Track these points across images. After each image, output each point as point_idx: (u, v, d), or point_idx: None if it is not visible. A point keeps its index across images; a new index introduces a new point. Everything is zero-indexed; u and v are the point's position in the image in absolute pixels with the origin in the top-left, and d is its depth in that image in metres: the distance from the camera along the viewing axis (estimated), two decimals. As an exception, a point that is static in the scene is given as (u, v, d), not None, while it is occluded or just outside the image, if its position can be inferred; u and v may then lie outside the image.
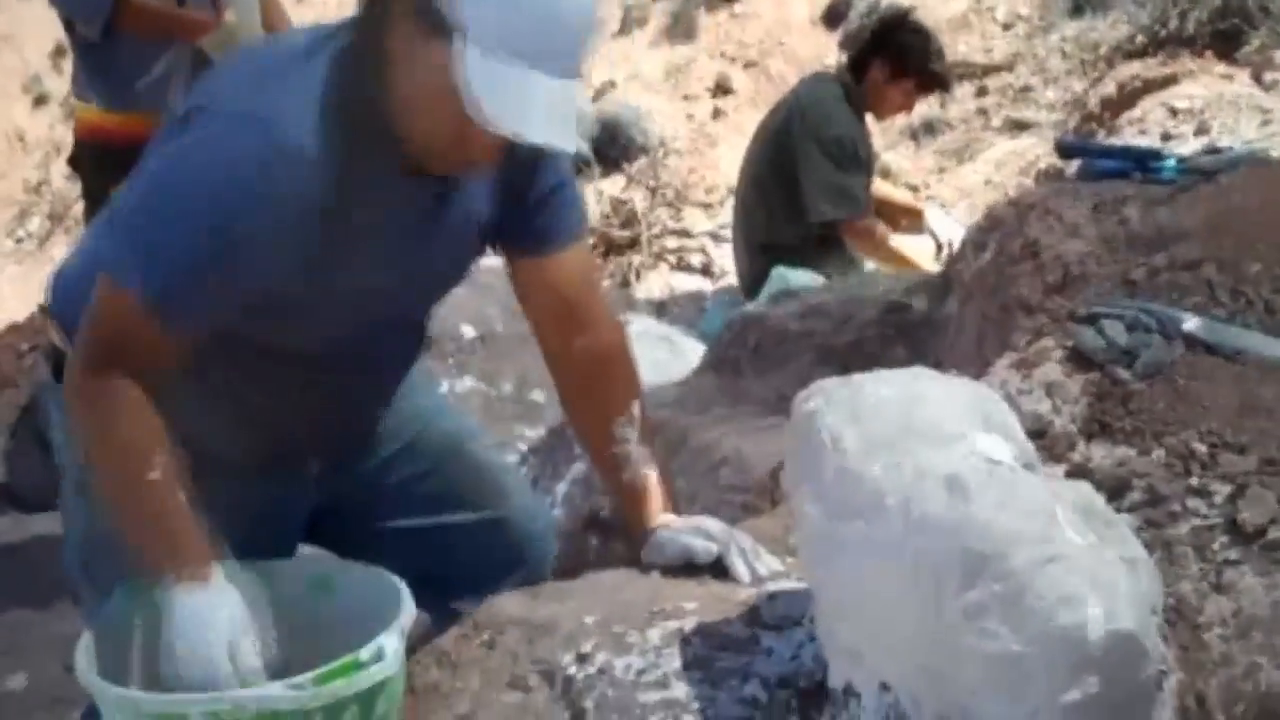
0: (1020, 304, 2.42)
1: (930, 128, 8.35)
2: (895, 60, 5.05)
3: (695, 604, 1.97)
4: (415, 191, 1.94)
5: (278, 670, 1.86)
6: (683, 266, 7.59)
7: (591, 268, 2.25)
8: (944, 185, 7.65)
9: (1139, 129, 5.85)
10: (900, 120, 7.18)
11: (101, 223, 2.08)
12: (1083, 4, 8.86)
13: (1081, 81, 7.92)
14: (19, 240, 12.66)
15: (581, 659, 1.87)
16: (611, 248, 7.88)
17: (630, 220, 8.01)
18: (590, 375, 2.19)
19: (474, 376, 4.41)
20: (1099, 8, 8.60)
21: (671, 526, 2.13)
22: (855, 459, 1.62)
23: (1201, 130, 5.42)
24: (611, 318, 2.24)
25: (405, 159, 1.89)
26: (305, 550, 2.34)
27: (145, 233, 1.82)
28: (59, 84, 13.03)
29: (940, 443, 1.60)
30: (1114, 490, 1.87)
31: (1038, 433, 2.01)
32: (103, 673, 1.88)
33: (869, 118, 5.20)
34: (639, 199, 8.21)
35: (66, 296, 2.08)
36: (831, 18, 10.01)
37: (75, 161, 4.20)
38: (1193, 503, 1.84)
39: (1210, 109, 5.62)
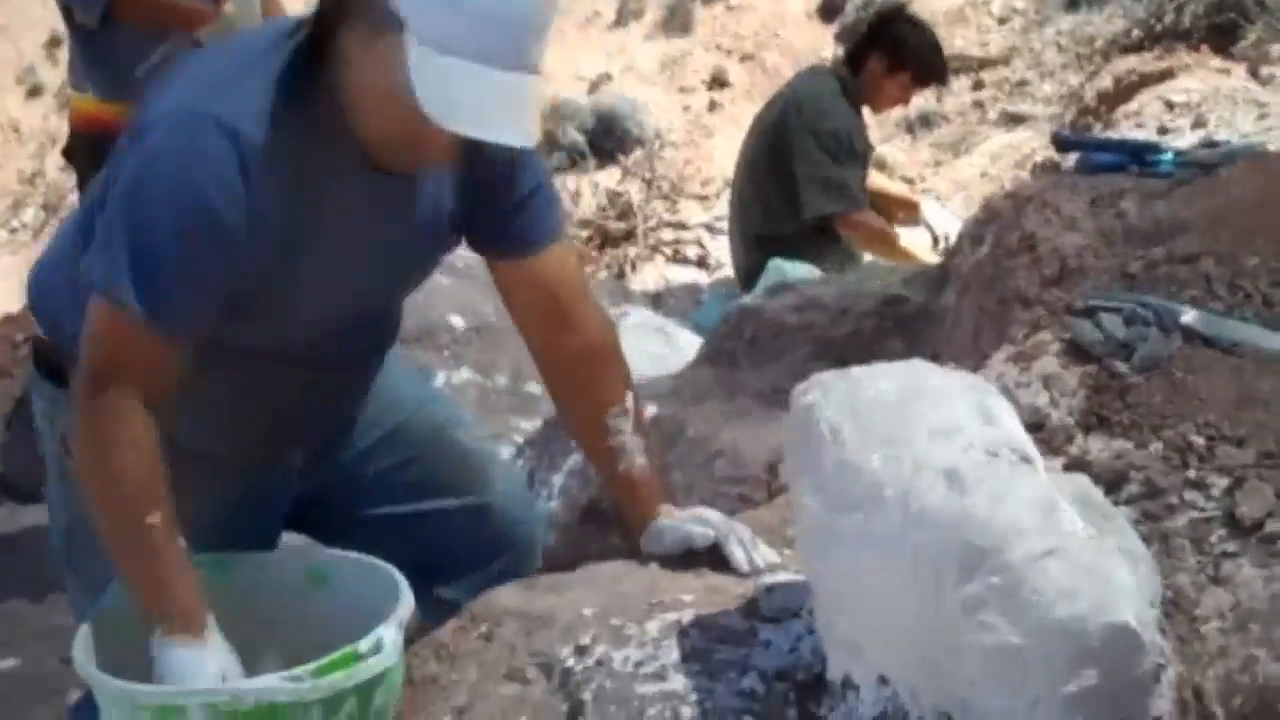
0: (1017, 297, 2.42)
1: (926, 121, 8.34)
2: (892, 53, 5.05)
3: (693, 596, 1.97)
4: (379, 187, 1.94)
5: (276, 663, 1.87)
6: (678, 259, 7.57)
7: (574, 265, 2.25)
8: (939, 178, 7.64)
9: (1135, 123, 5.84)
10: (896, 113, 7.18)
11: (75, 226, 2.06)
12: (1079, -3, 8.86)
13: (1077, 75, 7.90)
14: (13, 231, 12.62)
15: (580, 651, 1.87)
16: (607, 240, 7.86)
17: (626, 212, 7.99)
18: (580, 372, 2.19)
19: (470, 368, 4.40)
20: (1095, 2, 8.59)
21: (670, 516, 2.13)
22: (854, 451, 1.63)
23: (1198, 124, 5.41)
24: (598, 313, 2.23)
25: (366, 156, 1.89)
26: (295, 541, 2.35)
27: (129, 248, 1.81)
28: (54, 75, 12.99)
29: (939, 435, 1.60)
30: (1111, 483, 1.88)
31: (1035, 425, 2.01)
32: (101, 664, 1.88)
33: (865, 111, 5.20)
34: (634, 191, 8.19)
35: (42, 291, 2.10)
36: (827, 11, 10.00)
37: (70, 152, 4.18)
38: (1190, 495, 1.84)
39: (1207, 103, 5.62)
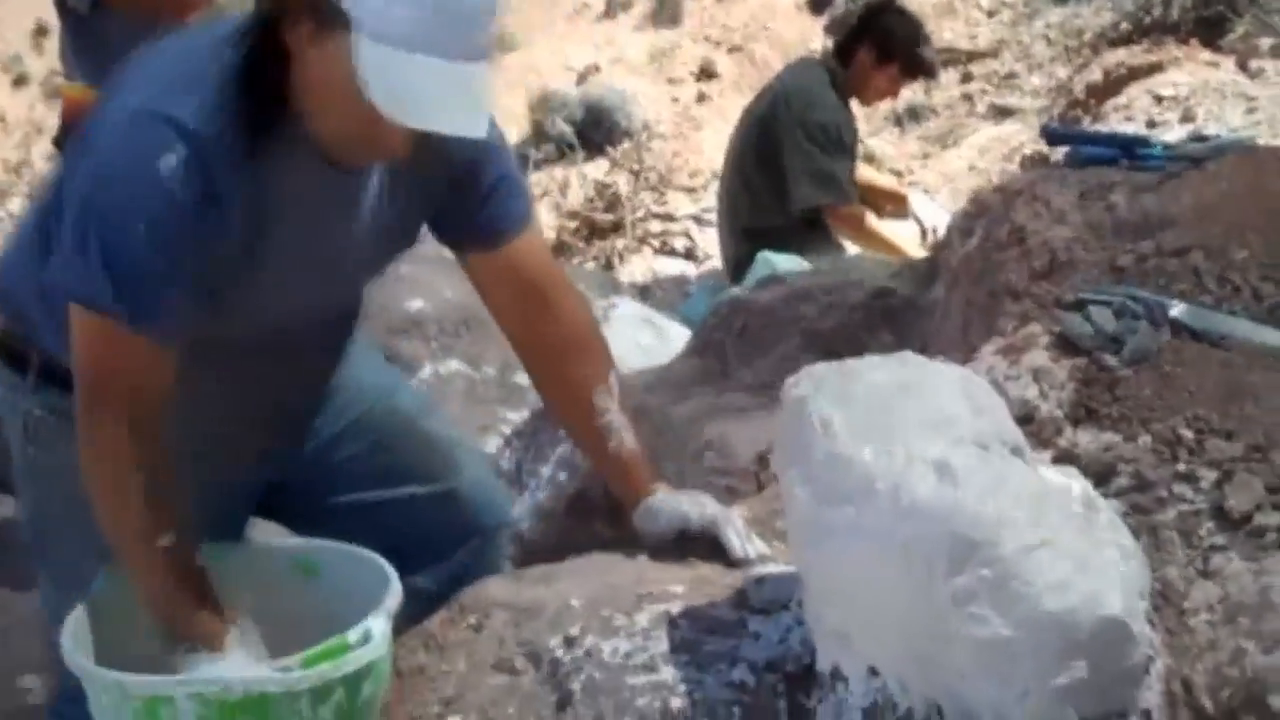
0: (1007, 290, 2.41)
1: (915, 113, 8.35)
2: (882, 46, 5.04)
3: (683, 587, 1.97)
4: (337, 182, 1.93)
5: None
6: (666, 250, 7.58)
7: (546, 250, 2.25)
8: (928, 171, 7.66)
9: (1124, 116, 5.85)
10: (884, 106, 7.17)
11: (35, 220, 2.05)
12: (1067, -10, 8.86)
13: (1066, 68, 7.92)
14: (-1, 220, 12.59)
15: (569, 642, 1.87)
16: (595, 231, 7.87)
17: (614, 204, 7.99)
18: (562, 355, 2.19)
19: (458, 359, 4.40)
20: (1083, -5, 8.62)
21: (665, 494, 2.14)
22: (845, 444, 1.63)
23: (1187, 117, 5.43)
24: (575, 294, 2.24)
25: (323, 151, 1.88)
26: (266, 528, 2.34)
27: (102, 256, 1.79)
28: (40, 65, 12.97)
29: (930, 428, 1.60)
30: (1100, 476, 1.88)
31: (1025, 418, 2.01)
32: (90, 653, 1.88)
33: (854, 103, 5.20)
34: (623, 182, 8.19)
35: (6, 283, 2.08)
36: (816, 3, 10.01)
37: (60, 142, 4.17)
38: (1179, 488, 1.84)
39: (1196, 96, 5.63)
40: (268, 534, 2.31)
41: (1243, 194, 2.39)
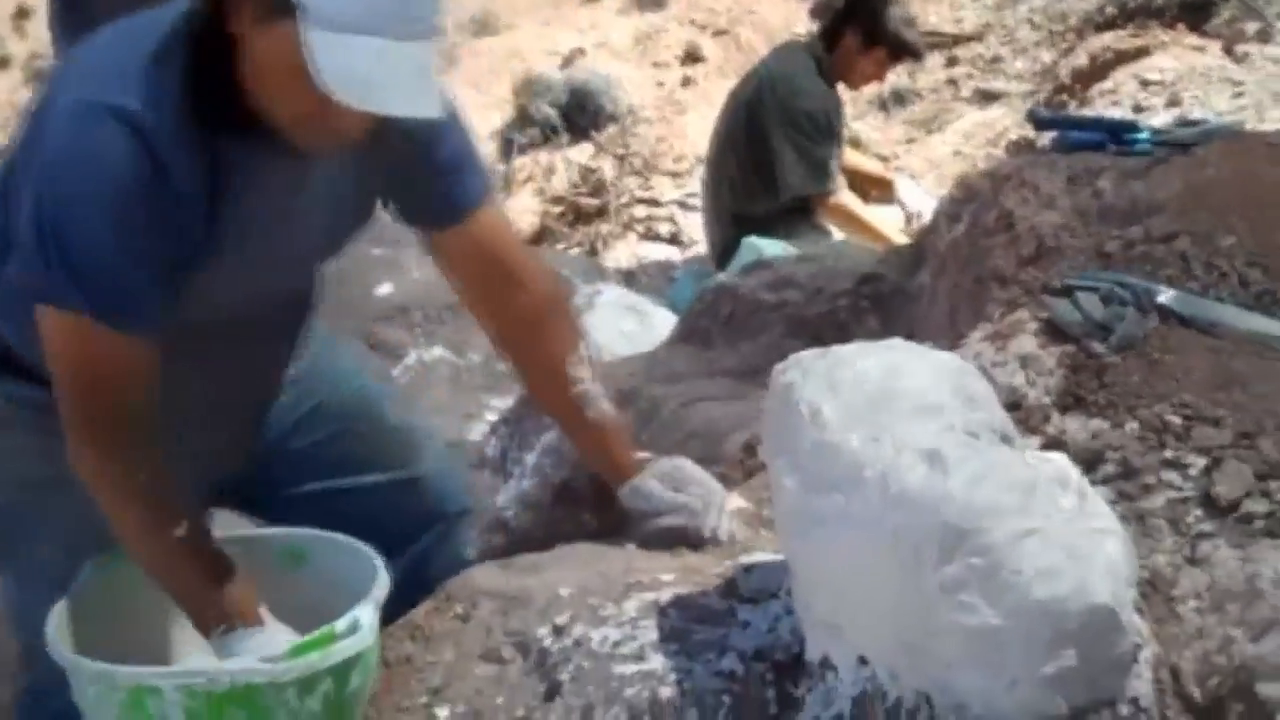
0: (994, 276, 2.41)
1: (900, 98, 8.33)
2: (867, 30, 5.03)
3: (671, 575, 1.97)
4: (291, 166, 1.92)
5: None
6: (651, 235, 7.56)
7: (508, 225, 2.25)
8: (913, 156, 7.64)
9: (1110, 100, 5.85)
10: (870, 90, 7.15)
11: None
12: (1053, -26, 8.84)
13: (1051, 52, 7.91)
14: (-20, 205, 12.52)
15: (557, 631, 1.87)
16: (580, 216, 7.85)
17: (599, 188, 7.97)
18: (532, 327, 2.18)
19: (442, 346, 4.38)
20: (1068, -22, 8.60)
21: (650, 473, 2.16)
22: (833, 432, 1.62)
23: (1173, 102, 5.43)
24: (540, 265, 2.24)
25: (275, 136, 1.86)
26: (226, 518, 2.33)
27: (64, 254, 1.78)
28: (21, 47, 12.90)
29: (919, 416, 1.60)
30: (1088, 463, 1.87)
31: (1012, 405, 2.00)
32: (75, 645, 1.87)
33: (840, 87, 5.18)
34: (608, 167, 8.17)
35: None
36: (801, -14, 9.98)
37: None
38: (1167, 475, 1.84)
39: (1182, 81, 5.63)
40: (230, 525, 2.29)
41: (1230, 180, 2.39)
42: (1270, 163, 2.44)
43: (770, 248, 4.51)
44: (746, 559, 2.00)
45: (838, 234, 5.01)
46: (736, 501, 2.20)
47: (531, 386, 2.34)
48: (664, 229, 7.60)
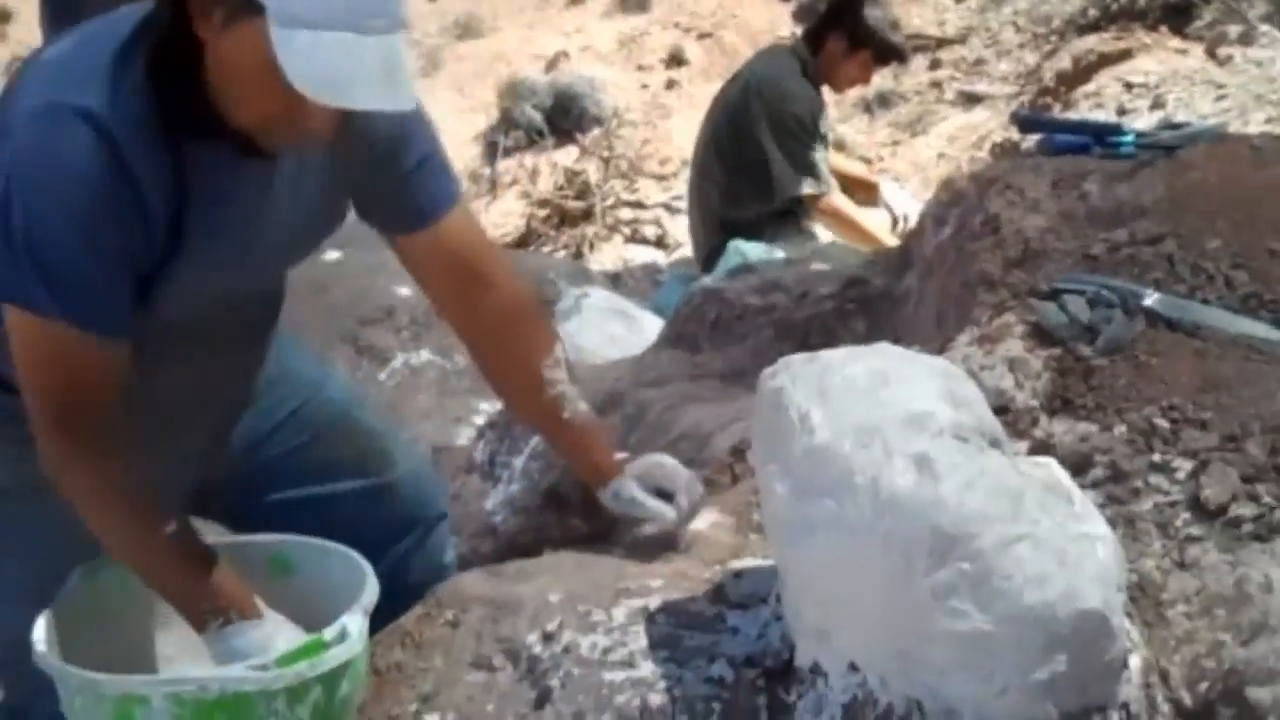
0: (981, 279, 2.41)
1: (884, 100, 8.34)
2: (852, 32, 5.04)
3: (660, 581, 1.96)
4: (253, 166, 1.90)
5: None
6: (637, 238, 7.56)
7: (477, 228, 2.22)
8: (897, 159, 7.65)
9: (1094, 103, 5.86)
10: (854, 93, 7.17)
11: None
12: (1035, -24, 8.86)
13: (1034, 54, 7.93)
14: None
15: (547, 638, 1.87)
16: (565, 219, 7.84)
17: (584, 191, 7.96)
18: (505, 330, 2.16)
19: (430, 350, 4.37)
20: (1052, -20, 8.62)
21: (631, 475, 2.16)
22: (824, 437, 1.62)
23: (1157, 105, 5.44)
24: (511, 270, 2.21)
25: (241, 138, 1.85)
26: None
27: (31, 256, 1.77)
28: (2, 50, 12.85)
29: (909, 421, 1.60)
30: (1076, 466, 1.88)
31: (1000, 409, 2.01)
32: (61, 653, 1.86)
33: (824, 90, 5.19)
34: (592, 170, 8.16)
35: None
36: (784, -11, 9.99)
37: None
38: (1155, 479, 1.84)
39: (1166, 84, 5.65)
40: (210, 535, 2.28)
41: (1215, 183, 2.40)
42: (1255, 166, 2.45)
43: (755, 251, 4.51)
44: (736, 564, 2.00)
45: (825, 237, 5.01)
46: (710, 517, 2.20)
47: (506, 392, 2.31)
48: (650, 231, 7.60)
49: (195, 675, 1.80)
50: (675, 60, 9.58)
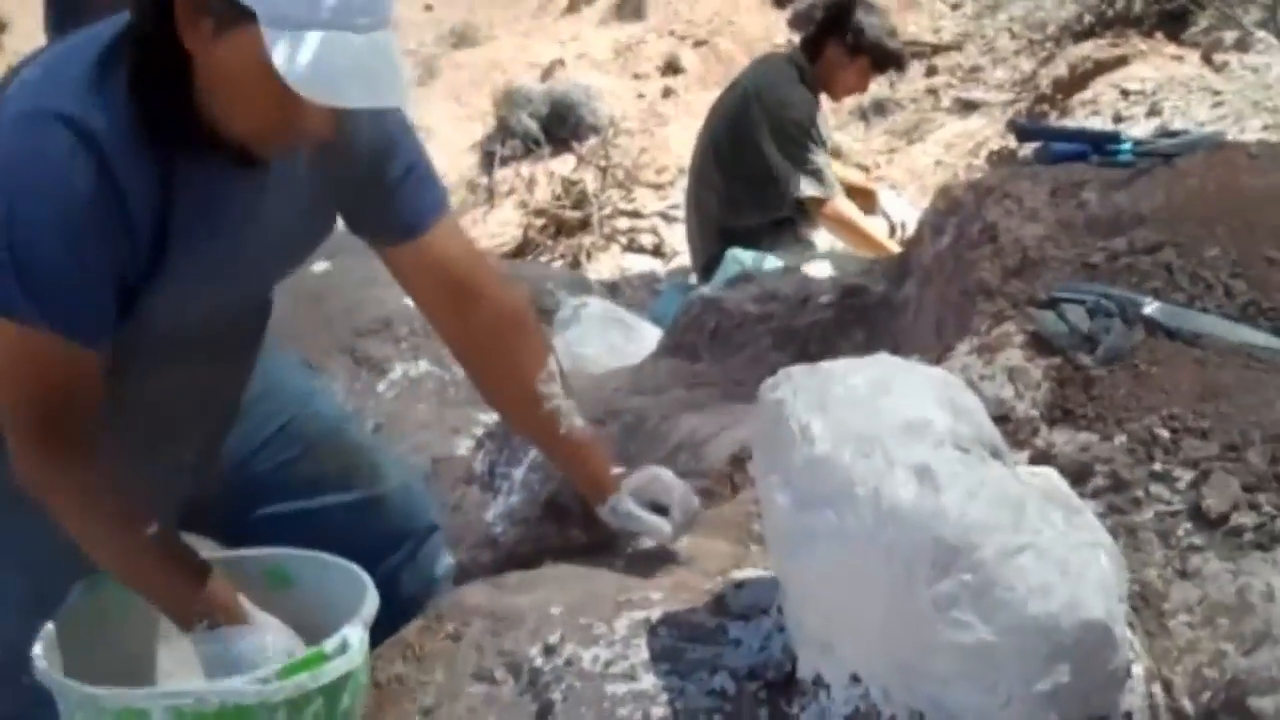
0: (980, 288, 2.41)
1: (880, 108, 8.34)
2: (850, 40, 5.05)
3: (661, 594, 1.96)
4: (240, 178, 1.89)
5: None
6: (634, 247, 7.55)
7: (466, 238, 2.21)
8: (894, 166, 7.65)
9: (1091, 110, 5.87)
10: (850, 100, 7.18)
11: None
12: (1031, -17, 8.88)
13: (1030, 61, 7.94)
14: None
15: (548, 650, 1.86)
16: (562, 228, 7.83)
17: (581, 200, 7.96)
18: (498, 343, 2.15)
19: (428, 360, 4.36)
20: (1046, -13, 8.63)
21: (629, 489, 2.15)
22: (824, 448, 1.62)
23: (1153, 112, 5.44)
24: (503, 281, 2.20)
25: (229, 148, 1.84)
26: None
27: (13, 263, 1.76)
28: (0, 60, 12.84)
29: (910, 431, 1.60)
30: (1077, 476, 1.88)
31: (1000, 419, 2.01)
32: (63, 668, 1.86)
33: (822, 98, 5.19)
34: (589, 179, 8.15)
35: None
36: (780, -3, 10.00)
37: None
38: (1156, 488, 1.84)
39: (1162, 90, 5.65)
40: (204, 550, 2.27)
41: (1213, 191, 2.40)
42: (1253, 173, 2.45)
43: (753, 259, 4.51)
44: (737, 575, 1.99)
45: (823, 247, 5.01)
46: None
47: (501, 405, 2.29)
48: (647, 240, 7.59)
49: (195, 688, 1.79)
50: (671, 68, 9.59)
